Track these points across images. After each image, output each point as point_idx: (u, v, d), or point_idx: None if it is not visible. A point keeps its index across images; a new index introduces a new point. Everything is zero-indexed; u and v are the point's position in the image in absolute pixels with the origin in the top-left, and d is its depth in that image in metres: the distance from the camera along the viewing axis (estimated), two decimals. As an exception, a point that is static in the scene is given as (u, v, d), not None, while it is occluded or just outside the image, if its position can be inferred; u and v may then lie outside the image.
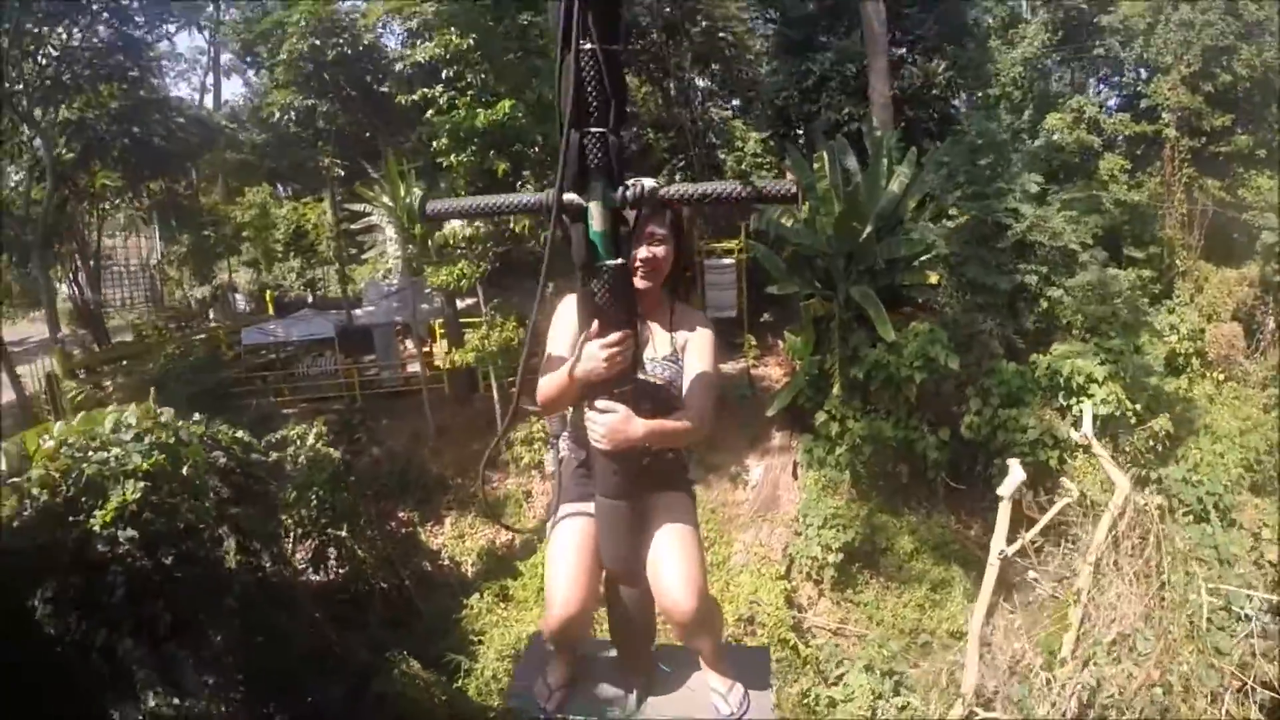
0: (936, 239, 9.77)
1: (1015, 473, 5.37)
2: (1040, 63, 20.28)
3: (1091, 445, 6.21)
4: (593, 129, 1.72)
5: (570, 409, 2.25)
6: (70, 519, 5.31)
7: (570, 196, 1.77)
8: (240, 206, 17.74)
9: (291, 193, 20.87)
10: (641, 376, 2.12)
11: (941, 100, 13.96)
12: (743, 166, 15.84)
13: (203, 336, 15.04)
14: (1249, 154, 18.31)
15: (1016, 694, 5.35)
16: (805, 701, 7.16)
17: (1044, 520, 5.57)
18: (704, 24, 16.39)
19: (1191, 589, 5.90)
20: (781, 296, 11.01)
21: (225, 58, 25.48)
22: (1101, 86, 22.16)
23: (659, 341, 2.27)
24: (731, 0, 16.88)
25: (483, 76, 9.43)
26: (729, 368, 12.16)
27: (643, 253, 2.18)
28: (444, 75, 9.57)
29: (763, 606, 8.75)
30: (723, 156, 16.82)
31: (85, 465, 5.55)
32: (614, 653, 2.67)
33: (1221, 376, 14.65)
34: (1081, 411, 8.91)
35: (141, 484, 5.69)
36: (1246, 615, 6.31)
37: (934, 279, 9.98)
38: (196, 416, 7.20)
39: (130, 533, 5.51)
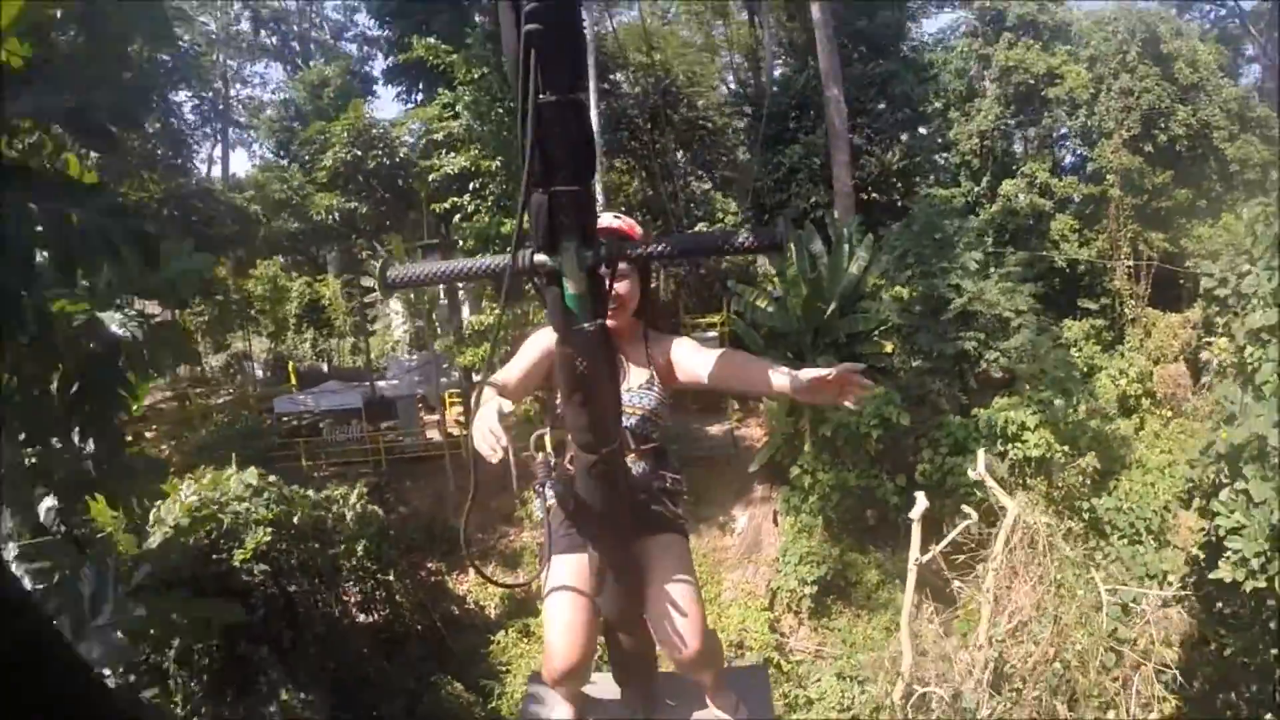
0: (890, 314, 11.89)
1: (920, 503, 7.34)
2: (994, 133, 22.76)
3: (985, 479, 8.14)
4: (561, 187, 1.64)
5: (554, 457, 2.27)
6: (214, 556, 7.32)
7: (541, 259, 1.73)
8: (253, 279, 19.71)
9: (293, 263, 22.99)
10: (625, 417, 2.19)
11: (898, 185, 16.28)
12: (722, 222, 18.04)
13: (228, 401, 16.93)
14: (1189, 206, 20.62)
15: (943, 671, 7.28)
16: (786, 701, 9.00)
17: (950, 537, 7.56)
18: (685, 113, 18.78)
19: (1088, 588, 7.85)
20: (761, 365, 13.07)
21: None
22: (1060, 149, 24.74)
23: (635, 372, 2.32)
24: (710, 92, 19.33)
25: (504, 186, 11.57)
26: (714, 429, 14.18)
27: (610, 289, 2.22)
28: (470, 186, 11.68)
29: (750, 634, 10.59)
30: (704, 227, 19.03)
31: (223, 515, 7.60)
32: (615, 690, 2.77)
33: (1169, 414, 16.63)
34: (1007, 451, 11.01)
35: (269, 530, 7.70)
36: (1142, 610, 8.28)
37: (889, 347, 12.06)
38: (272, 478, 9.17)
39: (264, 567, 7.51)
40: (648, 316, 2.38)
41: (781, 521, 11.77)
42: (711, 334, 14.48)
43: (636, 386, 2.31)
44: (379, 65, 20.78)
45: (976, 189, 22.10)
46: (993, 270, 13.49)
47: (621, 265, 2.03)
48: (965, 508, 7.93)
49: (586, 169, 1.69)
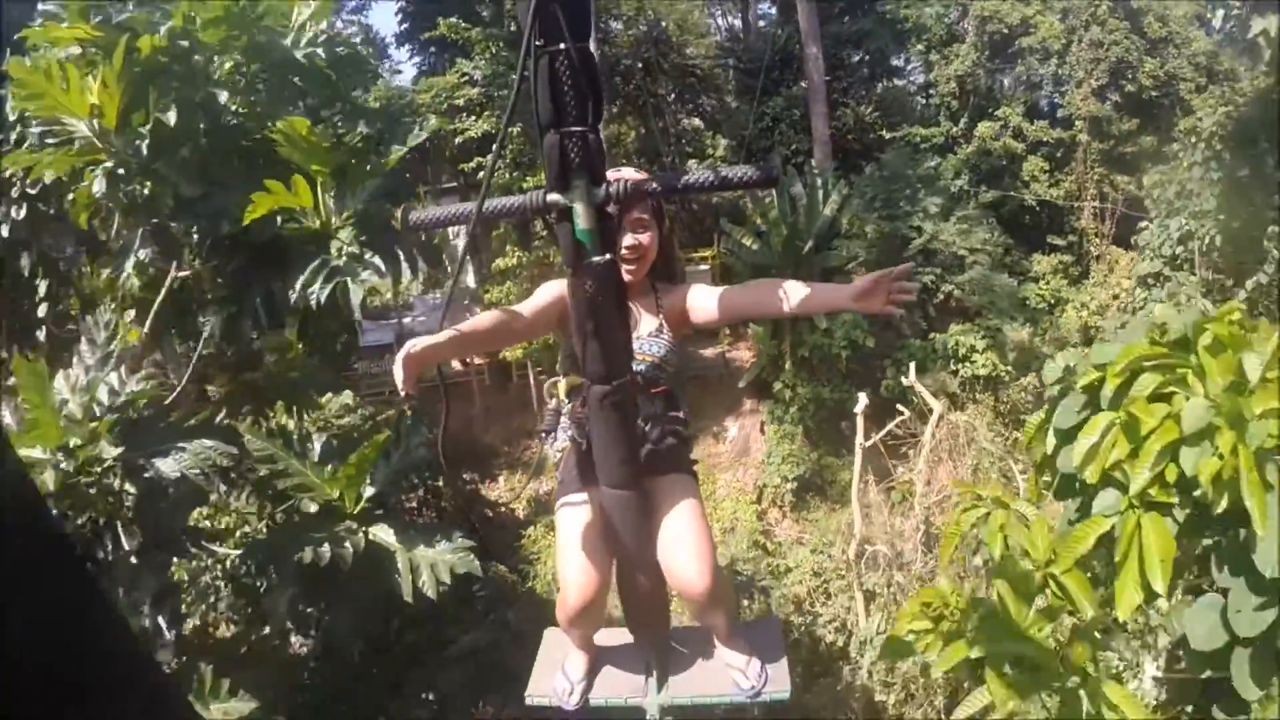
0: (860, 250, 14.14)
1: (861, 400, 9.71)
2: (971, 78, 24.72)
3: (915, 386, 10.49)
4: (572, 128, 1.86)
5: (569, 401, 2.50)
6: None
7: (554, 196, 1.95)
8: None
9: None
10: (635, 363, 2.37)
11: (871, 134, 18.44)
12: (712, 162, 20.13)
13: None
14: (1154, 153, 22.74)
15: (887, 534, 9.76)
16: (769, 569, 11.47)
17: (888, 428, 9.97)
18: (676, 59, 20.73)
19: (1003, 474, 10.26)
20: (747, 297, 15.39)
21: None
22: (1033, 95, 26.73)
23: (645, 320, 2.50)
24: (699, 41, 21.24)
25: (523, 146, 13.71)
26: (708, 352, 16.54)
27: (628, 240, 2.40)
28: (492, 147, 13.72)
29: (741, 522, 13.04)
30: (694, 163, 21.06)
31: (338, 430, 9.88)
32: (629, 638, 2.87)
33: (1124, 343, 19.14)
34: (961, 369, 13.45)
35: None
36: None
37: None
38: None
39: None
40: (665, 271, 2.57)
41: (767, 430, 14.16)
42: (704, 267, 16.73)
43: (646, 334, 2.47)
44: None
45: (955, 129, 24.06)
46: (954, 212, 15.69)
47: (644, 216, 2.36)
48: (899, 406, 10.32)
49: (595, 112, 1.87)
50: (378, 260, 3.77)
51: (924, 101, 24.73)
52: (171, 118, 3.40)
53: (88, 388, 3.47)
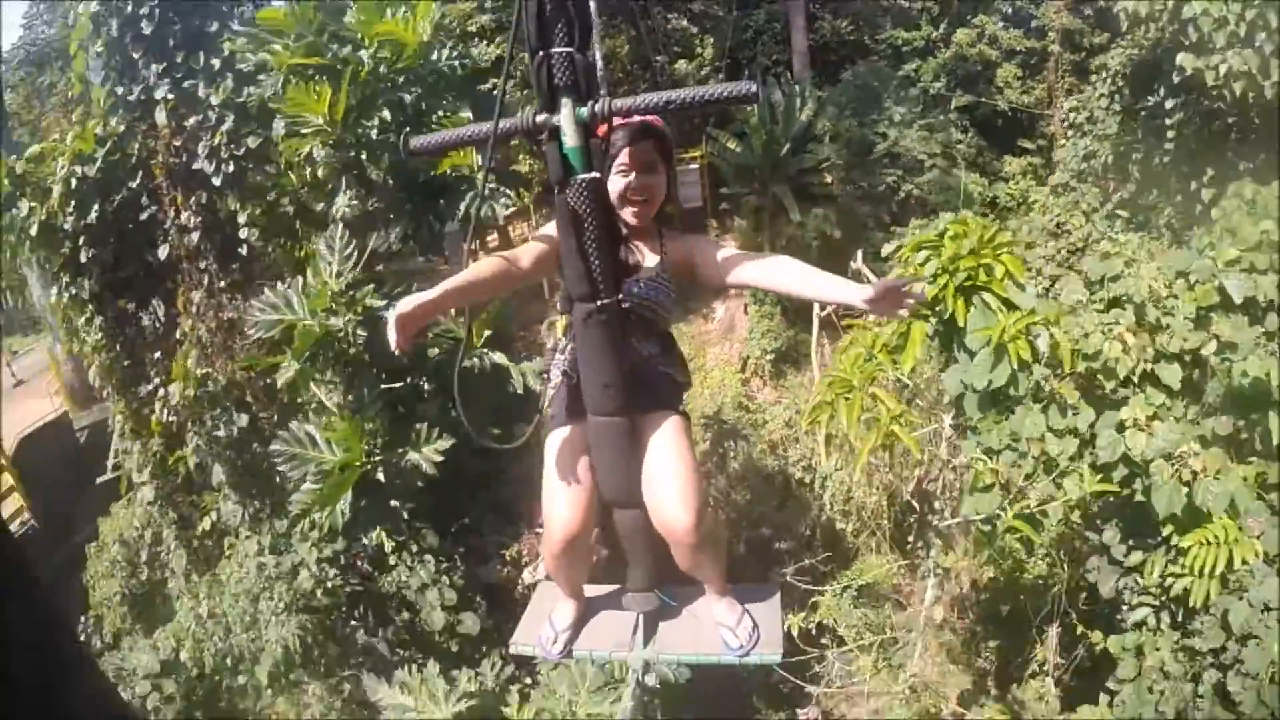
0: (831, 153, 16.64)
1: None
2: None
3: (861, 269, 13.18)
4: (559, 49, 2.03)
5: (563, 337, 2.69)
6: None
7: (544, 116, 2.13)
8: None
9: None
10: (628, 302, 2.52)
11: (847, 47, 20.72)
12: (703, 72, 22.38)
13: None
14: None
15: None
16: (749, 420, 14.38)
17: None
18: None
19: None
20: (731, 194, 17.88)
21: None
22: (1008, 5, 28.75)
23: (647, 264, 2.63)
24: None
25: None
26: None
27: (635, 182, 2.52)
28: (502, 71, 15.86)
29: (726, 388, 15.89)
30: (685, 66, 23.16)
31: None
32: (619, 590, 3.02)
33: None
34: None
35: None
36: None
37: (829, 180, 16.88)
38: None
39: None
40: (665, 214, 2.67)
41: (749, 310, 16.88)
42: (693, 165, 19.11)
43: (647, 279, 2.60)
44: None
45: (935, 34, 26.23)
46: (921, 119, 18.13)
47: (653, 159, 2.51)
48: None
49: (582, 34, 2.06)
50: (505, 189, 6.50)
51: (906, 4, 26.81)
52: (386, 114, 6.04)
53: (338, 276, 6.12)
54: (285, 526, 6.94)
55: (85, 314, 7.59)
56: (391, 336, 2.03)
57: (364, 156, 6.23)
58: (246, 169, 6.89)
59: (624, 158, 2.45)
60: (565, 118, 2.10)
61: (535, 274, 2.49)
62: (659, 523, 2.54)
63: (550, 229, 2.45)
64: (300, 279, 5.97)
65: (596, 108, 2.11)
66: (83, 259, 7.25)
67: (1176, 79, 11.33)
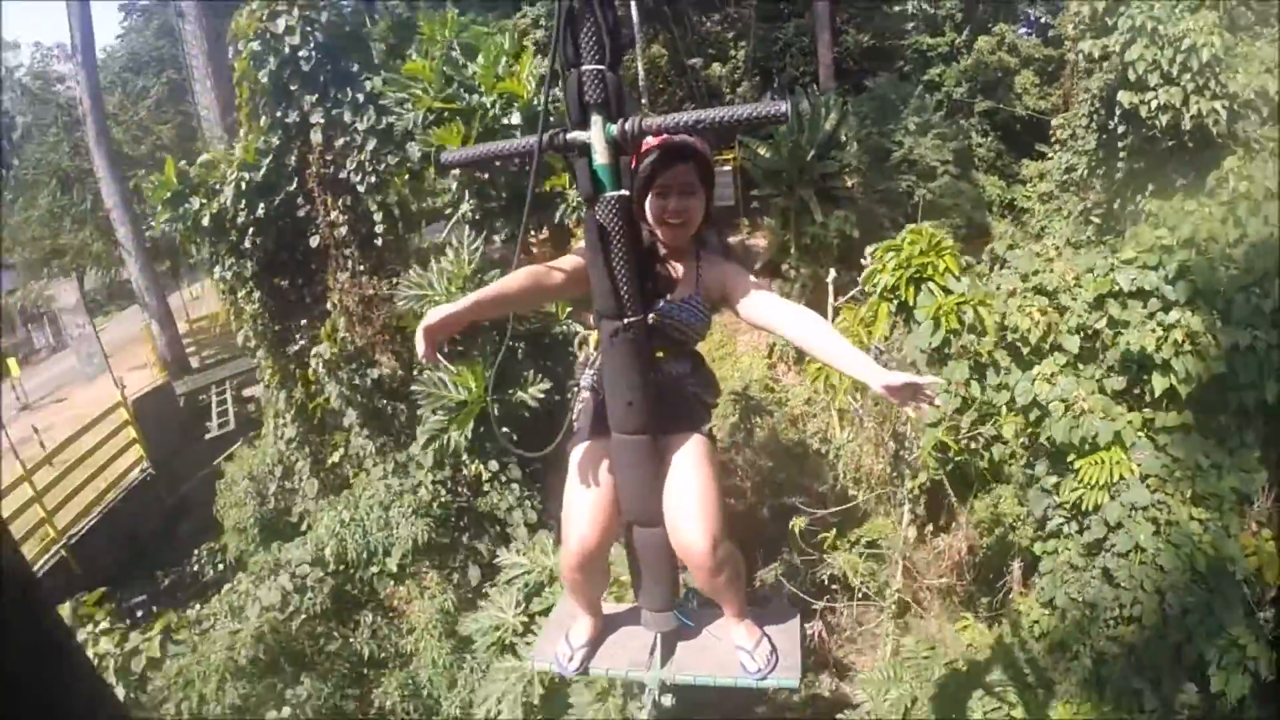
0: (852, 159, 18.76)
1: (831, 273, 14.56)
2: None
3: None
4: (590, 66, 2.09)
5: (594, 352, 2.70)
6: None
7: (574, 134, 2.18)
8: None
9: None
10: (657, 321, 2.54)
11: (869, 59, 22.87)
12: (736, 75, 24.58)
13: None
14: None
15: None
16: (774, 396, 16.53)
17: (852, 293, 14.86)
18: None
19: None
20: (761, 195, 20.04)
21: None
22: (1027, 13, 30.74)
23: (682, 285, 2.63)
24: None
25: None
26: (732, 239, 21.36)
27: (674, 204, 2.52)
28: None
29: (754, 371, 18.04)
30: (719, 69, 25.33)
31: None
32: (637, 610, 3.04)
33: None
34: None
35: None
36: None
37: (850, 183, 19.00)
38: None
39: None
40: (705, 237, 2.74)
41: (776, 301, 19.06)
42: (726, 168, 21.37)
43: (680, 299, 2.60)
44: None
45: (958, 39, 28.24)
46: (933, 128, 20.23)
47: (691, 181, 2.51)
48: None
49: (613, 52, 2.11)
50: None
51: (932, 11, 28.80)
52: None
53: (469, 263, 8.27)
54: (404, 457, 9.20)
55: (246, 289, 9.84)
56: (419, 347, 2.16)
57: (485, 176, 8.45)
58: (386, 180, 9.11)
59: (663, 179, 2.50)
60: (595, 135, 2.20)
61: (568, 289, 2.56)
62: (678, 544, 2.60)
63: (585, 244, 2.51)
64: (435, 264, 8.16)
65: (627, 126, 2.20)
66: (246, 245, 9.53)
67: (1118, 111, 13.64)
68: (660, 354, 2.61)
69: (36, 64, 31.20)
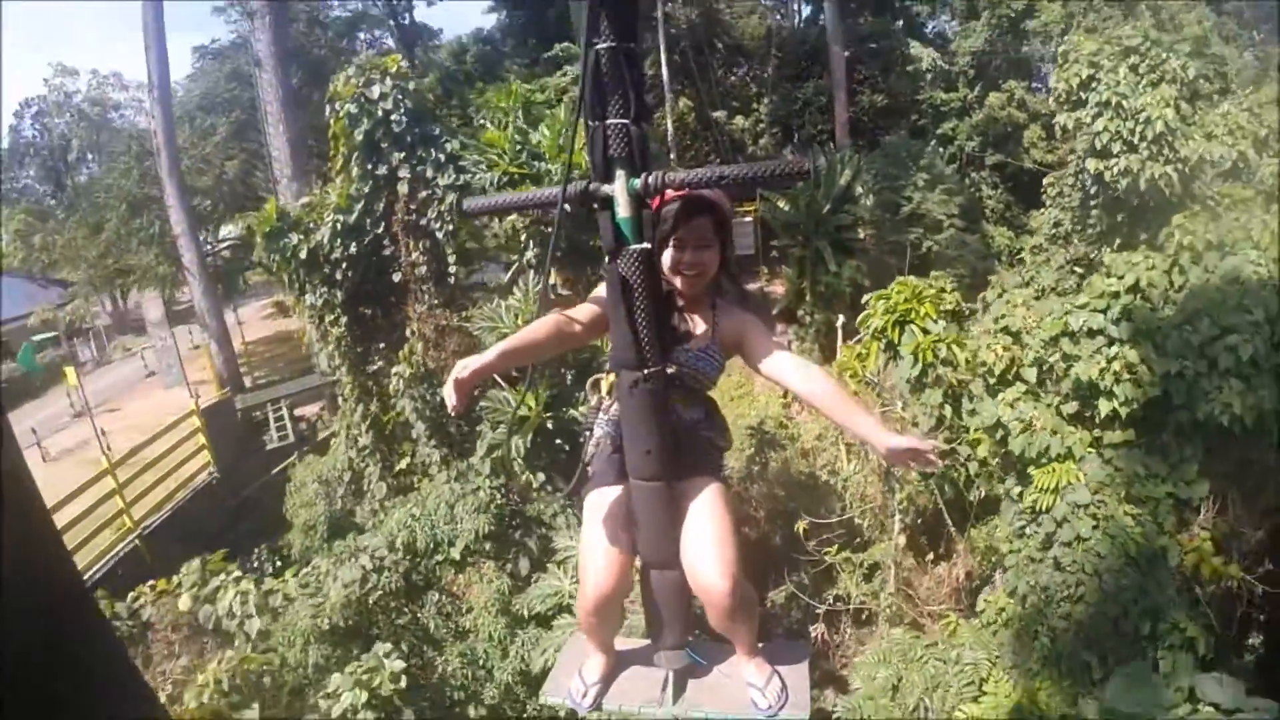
0: (865, 212, 20.66)
1: (840, 318, 16.35)
2: (984, 53, 30.73)
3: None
4: (614, 120, 2.17)
5: (609, 397, 2.84)
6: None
7: (596, 186, 2.27)
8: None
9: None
10: (674, 369, 2.64)
11: (882, 118, 24.94)
12: (758, 129, 26.66)
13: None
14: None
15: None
16: (785, 433, 18.22)
17: (859, 335, 16.66)
18: (728, 40, 27.08)
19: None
20: (780, 245, 21.94)
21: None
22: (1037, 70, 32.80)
23: (699, 335, 2.76)
24: (748, 20, 27.55)
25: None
26: (751, 286, 23.24)
27: (689, 257, 2.65)
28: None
29: (770, 411, 19.75)
30: (743, 121, 27.40)
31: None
32: (649, 646, 3.13)
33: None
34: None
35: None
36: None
37: (863, 234, 20.87)
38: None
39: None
40: (722, 285, 2.85)
41: (793, 345, 20.75)
42: (747, 219, 23.30)
43: (697, 349, 2.73)
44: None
45: (970, 95, 30.23)
46: (939, 185, 22.15)
47: (707, 235, 2.65)
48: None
49: (637, 106, 2.17)
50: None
51: (947, 67, 30.86)
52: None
53: (534, 300, 10.16)
54: (465, 465, 10.96)
55: (334, 314, 11.67)
56: (450, 399, 2.30)
57: (548, 229, 10.33)
58: (460, 228, 10.99)
59: (681, 231, 2.59)
60: (619, 189, 2.25)
61: (589, 336, 2.68)
62: (696, 586, 2.69)
63: (603, 290, 2.58)
64: (503, 301, 10.00)
65: (650, 180, 2.25)
66: (337, 277, 11.38)
67: (1087, 176, 15.77)
68: (677, 403, 2.71)
69: (93, 90, 33.88)
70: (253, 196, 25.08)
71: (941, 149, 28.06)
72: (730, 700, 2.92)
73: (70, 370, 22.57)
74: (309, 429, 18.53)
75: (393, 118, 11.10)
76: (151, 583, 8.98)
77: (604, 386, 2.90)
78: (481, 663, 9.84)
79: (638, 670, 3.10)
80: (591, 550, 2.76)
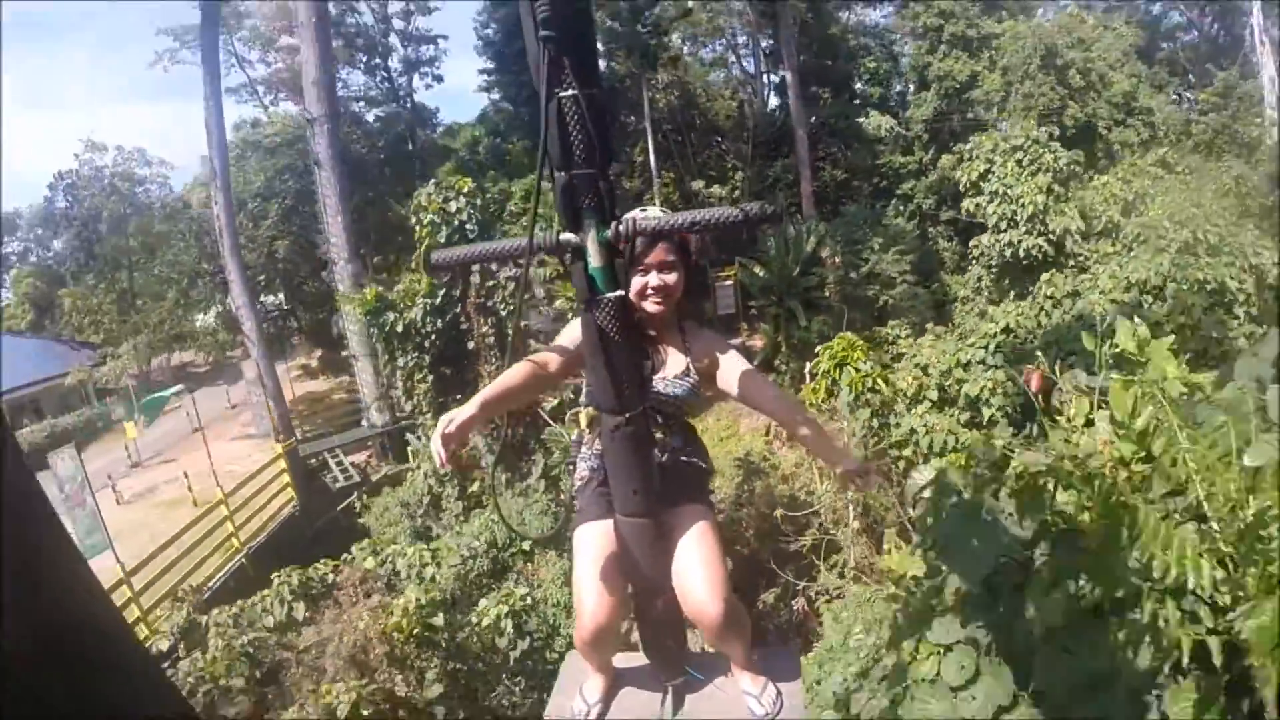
0: (829, 274, 25.62)
1: (808, 366, 21.17)
2: (934, 119, 36.01)
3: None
4: (581, 170, 2.25)
5: (589, 431, 3.00)
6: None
7: (567, 236, 2.36)
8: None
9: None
10: (652, 399, 2.81)
11: (843, 191, 30.20)
12: (735, 197, 31.69)
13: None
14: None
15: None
16: (769, 466, 22.80)
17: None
18: (702, 122, 32.30)
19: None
20: (757, 305, 26.81)
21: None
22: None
23: (672, 361, 2.94)
24: (722, 108, 32.83)
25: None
26: (734, 341, 28.01)
27: (654, 280, 2.82)
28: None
29: (754, 448, 24.30)
30: (717, 188, 32.43)
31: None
32: (646, 662, 3.33)
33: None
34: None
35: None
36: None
37: (828, 292, 25.76)
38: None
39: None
40: (685, 311, 3.04)
41: (770, 390, 25.46)
42: (728, 283, 28.14)
43: (672, 376, 2.91)
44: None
45: (925, 157, 35.21)
46: (892, 248, 27.19)
47: (670, 258, 2.82)
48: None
49: (603, 155, 2.24)
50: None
51: (904, 133, 36.06)
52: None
53: None
54: (523, 486, 15.49)
55: (422, 374, 16.12)
56: (437, 453, 2.39)
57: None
58: (521, 310, 15.60)
59: (644, 258, 2.77)
60: (590, 239, 2.33)
61: (563, 376, 2.89)
62: (689, 610, 2.88)
63: (574, 329, 2.77)
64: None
65: (621, 228, 2.35)
66: (425, 345, 15.91)
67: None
68: (657, 434, 2.87)
69: (118, 165, 38.69)
70: (298, 273, 29.93)
71: (901, 207, 33.19)
72: (728, 710, 3.12)
73: (130, 425, 26.86)
74: (361, 472, 22.99)
75: (467, 226, 15.84)
76: (324, 559, 13.23)
77: (582, 420, 3.03)
78: (550, 621, 14.17)
79: (638, 685, 3.30)
80: (585, 585, 2.89)
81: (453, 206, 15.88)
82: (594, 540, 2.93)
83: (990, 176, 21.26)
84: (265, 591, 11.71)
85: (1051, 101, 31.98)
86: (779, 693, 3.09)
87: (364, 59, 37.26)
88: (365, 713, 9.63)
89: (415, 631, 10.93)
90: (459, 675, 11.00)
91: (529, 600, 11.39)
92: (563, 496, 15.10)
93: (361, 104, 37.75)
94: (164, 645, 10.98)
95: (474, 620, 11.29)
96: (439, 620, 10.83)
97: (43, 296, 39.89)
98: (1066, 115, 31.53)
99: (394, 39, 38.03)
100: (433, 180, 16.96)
